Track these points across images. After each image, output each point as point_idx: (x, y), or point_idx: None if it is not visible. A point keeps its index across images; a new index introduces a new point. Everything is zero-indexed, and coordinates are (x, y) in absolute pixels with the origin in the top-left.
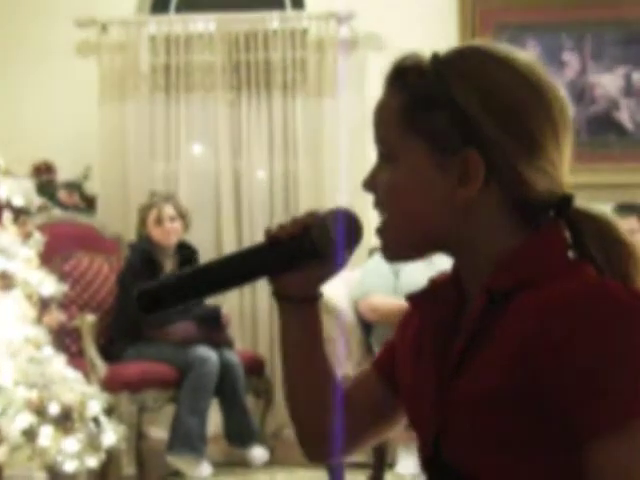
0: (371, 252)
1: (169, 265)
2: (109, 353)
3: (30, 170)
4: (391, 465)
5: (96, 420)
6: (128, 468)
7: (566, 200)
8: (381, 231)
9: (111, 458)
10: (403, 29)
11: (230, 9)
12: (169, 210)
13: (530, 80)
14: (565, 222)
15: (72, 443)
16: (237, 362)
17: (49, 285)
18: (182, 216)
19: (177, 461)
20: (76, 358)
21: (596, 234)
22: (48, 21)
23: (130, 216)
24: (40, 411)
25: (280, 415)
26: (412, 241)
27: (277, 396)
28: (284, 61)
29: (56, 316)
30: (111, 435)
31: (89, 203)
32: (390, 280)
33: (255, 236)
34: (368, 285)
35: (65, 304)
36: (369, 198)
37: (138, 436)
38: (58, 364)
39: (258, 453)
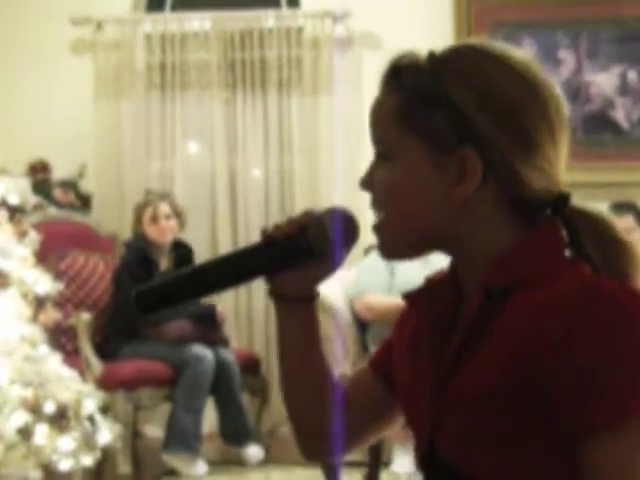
0: (367, 251)
1: (164, 263)
2: (105, 351)
3: (25, 169)
4: (387, 464)
5: (91, 418)
6: (123, 467)
7: (563, 198)
8: (378, 229)
9: (106, 457)
10: (399, 28)
11: (225, 7)
12: (164, 208)
13: (526, 78)
14: (562, 220)
15: (67, 441)
16: (233, 360)
17: (45, 283)
18: (177, 214)
19: (173, 459)
20: (72, 356)
21: (593, 232)
22: (43, 19)
23: (125, 214)
24: (35, 409)
25: (276, 413)
26: (409, 239)
27: (273, 394)
28: (280, 59)
29: (52, 314)
30: (106, 433)
31: (84, 201)
32: (386, 279)
33: (250, 234)
34: (364, 284)
35: (61, 302)
36: (365, 197)
37: (134, 434)
38: (54, 362)
39: (254, 452)
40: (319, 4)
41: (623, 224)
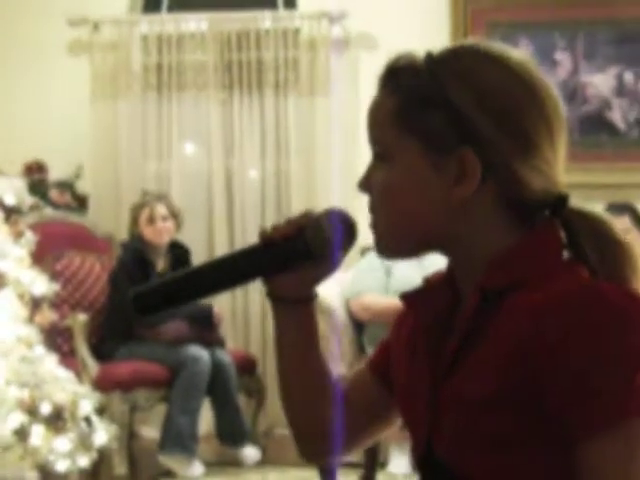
0: (363, 251)
1: (161, 264)
2: (101, 352)
3: (22, 169)
4: (383, 464)
5: (88, 419)
6: (120, 468)
7: (561, 199)
8: (375, 227)
9: (102, 458)
10: (395, 29)
11: (222, 8)
12: (161, 209)
13: (523, 78)
14: (560, 221)
15: (64, 442)
16: (229, 361)
17: (41, 284)
18: (174, 215)
19: (169, 460)
20: (68, 357)
21: (591, 233)
22: (40, 20)
23: (122, 215)
24: (32, 410)
25: (272, 414)
26: (407, 240)
27: (269, 395)
28: (276, 60)
29: (48, 315)
30: (102, 435)
31: (81, 202)
32: (382, 279)
33: (247, 235)
34: (360, 284)
35: (57, 303)
36: (361, 198)
37: (130, 436)
38: (50, 363)
39: (250, 453)
40: (316, 5)
41: (619, 225)
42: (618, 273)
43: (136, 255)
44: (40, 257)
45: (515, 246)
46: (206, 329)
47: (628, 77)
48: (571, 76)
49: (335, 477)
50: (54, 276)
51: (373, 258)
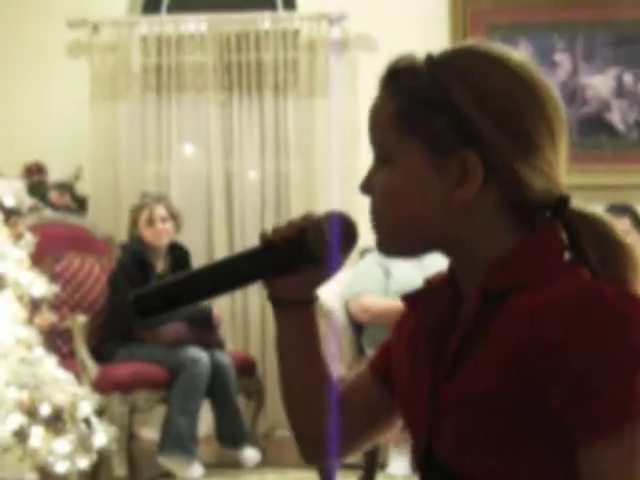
0: (362, 253)
1: (160, 266)
2: (100, 354)
3: (21, 171)
4: (382, 466)
5: (87, 421)
6: (119, 469)
7: (563, 201)
8: (377, 228)
9: (102, 459)
10: (395, 30)
11: (221, 9)
12: (160, 211)
13: (524, 80)
14: (561, 223)
15: (63, 444)
16: (228, 363)
17: (40, 286)
18: (173, 217)
19: (168, 462)
20: (67, 359)
21: (592, 235)
22: (39, 21)
23: (121, 217)
24: (31, 412)
25: (271, 416)
26: (409, 242)
27: (268, 397)
28: (276, 62)
29: (47, 317)
30: (102, 436)
31: (80, 204)
32: (381, 281)
33: (246, 237)
34: (359, 286)
35: (56, 305)
36: (361, 199)
37: (129, 437)
38: (49, 365)
39: (250, 454)
40: (315, 6)
41: (620, 227)
42: (619, 275)
43: (135, 257)
44: (39, 259)
45: (516, 248)
46: (205, 331)
47: (627, 78)
48: (570, 77)
49: (334, 479)
50: (53, 277)
51: (372, 259)
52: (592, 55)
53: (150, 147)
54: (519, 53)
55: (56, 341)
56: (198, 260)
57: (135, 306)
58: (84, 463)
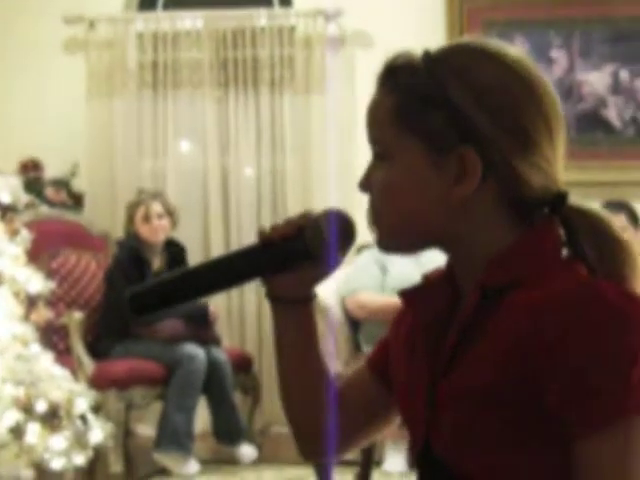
0: (359, 249)
1: (157, 262)
2: (96, 350)
3: (17, 167)
4: (379, 463)
5: (83, 417)
6: (115, 465)
7: (560, 197)
8: (376, 225)
9: (98, 456)
10: (391, 26)
11: (218, 6)
12: (157, 207)
13: (521, 75)
14: (559, 219)
15: (59, 441)
16: (224, 359)
17: (36, 282)
18: (170, 213)
19: (164, 458)
20: (63, 355)
21: (590, 231)
22: (36, 18)
23: (118, 213)
24: (27, 408)
25: (268, 412)
26: (408, 238)
27: (265, 393)
28: (272, 58)
29: (44, 313)
30: (98, 432)
31: (76, 200)
32: (378, 277)
33: (243, 233)
34: (356, 282)
35: (52, 301)
36: (357, 196)
37: (125, 433)
38: (45, 361)
39: (246, 451)
40: (311, 3)
41: (617, 223)
42: (616, 271)
43: (132, 253)
44: (36, 255)
45: (514, 244)
46: (202, 327)
47: (623, 75)
48: (567, 74)
49: (331, 475)
50: (50, 274)
51: (369, 256)
52: (588, 52)
53: (146, 143)
54: (516, 49)
55: (52, 337)
56: (194, 257)
57: (132, 304)
58: (80, 459)
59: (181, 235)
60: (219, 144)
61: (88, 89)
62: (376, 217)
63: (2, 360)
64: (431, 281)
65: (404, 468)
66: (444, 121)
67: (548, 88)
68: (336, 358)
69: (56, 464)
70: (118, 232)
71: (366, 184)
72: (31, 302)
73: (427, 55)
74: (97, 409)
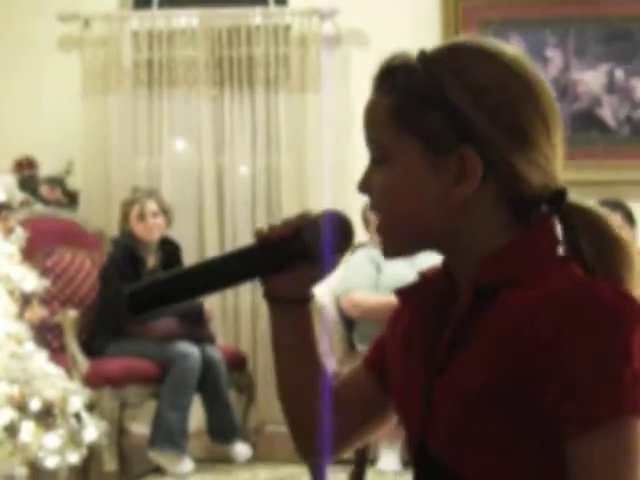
0: (354, 248)
1: (152, 261)
2: (91, 349)
3: (12, 165)
4: (373, 461)
5: (77, 416)
6: (109, 464)
7: (559, 194)
8: (380, 230)
9: (92, 454)
10: (386, 25)
11: (213, 5)
12: (152, 206)
13: (518, 74)
14: (558, 216)
15: (53, 439)
16: (219, 358)
17: (31, 280)
18: (165, 212)
19: (158, 457)
20: (58, 354)
21: (588, 228)
22: (31, 15)
23: (112, 212)
24: (21, 407)
25: (262, 411)
26: (409, 240)
27: (259, 392)
28: (267, 57)
29: (38, 312)
30: (92, 431)
31: (71, 198)
32: (372, 276)
33: (237, 232)
34: (350, 281)
35: (47, 300)
36: (352, 194)
37: (120, 432)
38: (40, 360)
39: (241, 450)
40: (306, 2)
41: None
42: (614, 270)
43: (127, 251)
44: (30, 253)
45: (509, 243)
46: (196, 326)
47: (619, 74)
48: (562, 73)
49: (325, 474)
50: (44, 272)
51: (363, 255)
52: (583, 51)
53: (141, 142)
54: (512, 48)
55: (47, 336)
56: (189, 255)
57: (129, 302)
58: (74, 458)
59: (176, 233)
60: (214, 142)
61: (83, 87)
62: (380, 224)
63: None
64: (427, 279)
65: (398, 467)
66: (442, 121)
67: (545, 86)
68: (331, 357)
69: (50, 462)
70: (113, 230)
71: (365, 186)
72: (25, 300)
73: (424, 55)
74: (91, 407)
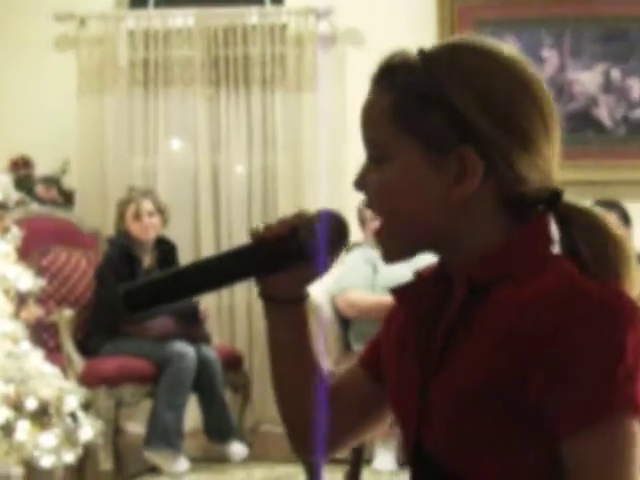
0: (349, 248)
1: (147, 260)
2: (86, 348)
3: (7, 165)
4: (368, 461)
5: (73, 415)
6: (105, 463)
7: (557, 194)
8: (380, 235)
9: (88, 453)
10: (382, 25)
11: (209, 4)
12: (147, 205)
13: (517, 73)
14: (555, 216)
15: (49, 438)
16: (215, 357)
17: (27, 280)
18: (160, 211)
19: (154, 456)
20: (53, 353)
21: (585, 228)
22: (27, 15)
23: (108, 211)
24: (17, 406)
25: (258, 410)
26: (409, 241)
27: (255, 391)
28: (263, 56)
29: (34, 311)
30: (88, 430)
31: (67, 198)
32: (368, 276)
33: (233, 232)
34: (346, 281)
35: (43, 299)
36: (348, 194)
37: (115, 431)
38: (35, 359)
39: (237, 449)
40: (302, 1)
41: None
42: (611, 268)
43: (122, 251)
44: (26, 252)
45: (505, 241)
46: (192, 325)
47: (615, 74)
48: (558, 73)
49: (321, 473)
50: (40, 271)
51: (359, 254)
52: (579, 51)
53: (137, 141)
54: (509, 47)
55: (42, 335)
56: (185, 254)
57: (126, 300)
58: (70, 457)
59: (172, 233)
60: (210, 142)
61: (79, 86)
62: (379, 229)
63: None
64: (423, 279)
65: (394, 466)
66: (442, 120)
67: (542, 85)
68: (326, 356)
69: (46, 462)
70: (109, 230)
71: (361, 183)
72: (21, 300)
73: (423, 54)
74: (87, 407)
